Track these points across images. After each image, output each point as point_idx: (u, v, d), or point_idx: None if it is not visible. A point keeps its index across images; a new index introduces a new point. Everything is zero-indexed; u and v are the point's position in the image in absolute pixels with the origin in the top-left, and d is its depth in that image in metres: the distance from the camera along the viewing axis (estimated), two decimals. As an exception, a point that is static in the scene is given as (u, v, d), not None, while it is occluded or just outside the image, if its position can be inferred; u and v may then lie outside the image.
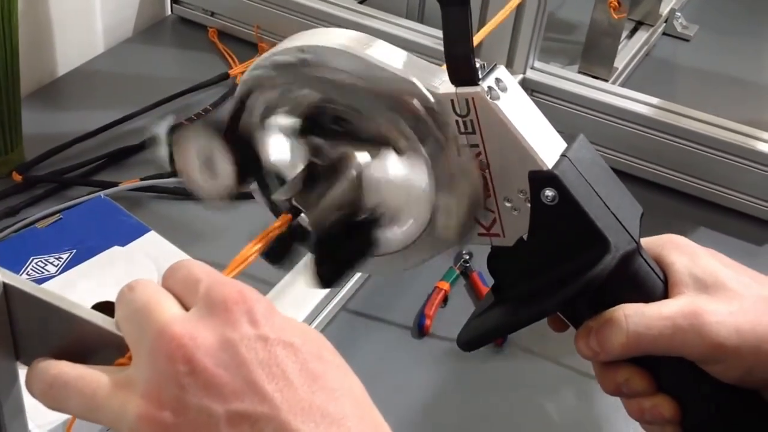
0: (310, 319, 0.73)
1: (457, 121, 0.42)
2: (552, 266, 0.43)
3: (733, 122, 0.98)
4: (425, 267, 0.83)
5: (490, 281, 0.80)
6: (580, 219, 0.42)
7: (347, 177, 0.43)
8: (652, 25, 1.23)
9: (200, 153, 0.44)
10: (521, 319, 0.44)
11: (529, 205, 0.42)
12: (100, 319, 0.36)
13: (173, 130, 0.44)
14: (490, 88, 0.41)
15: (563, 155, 0.42)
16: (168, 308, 0.35)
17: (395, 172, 0.44)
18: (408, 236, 0.46)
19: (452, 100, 0.41)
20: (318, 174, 0.44)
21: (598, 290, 0.41)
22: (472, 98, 0.41)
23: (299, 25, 1.09)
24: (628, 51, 1.15)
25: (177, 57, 1.15)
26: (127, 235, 0.76)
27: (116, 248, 0.74)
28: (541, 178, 0.41)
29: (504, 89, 0.42)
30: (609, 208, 0.42)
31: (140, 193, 0.89)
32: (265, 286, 0.74)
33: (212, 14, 1.16)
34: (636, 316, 0.42)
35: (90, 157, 0.92)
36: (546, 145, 0.42)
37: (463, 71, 0.41)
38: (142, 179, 0.89)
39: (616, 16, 1.04)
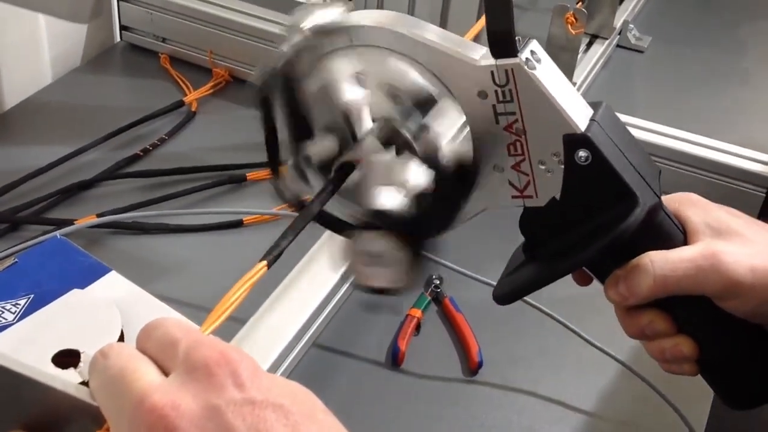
0: (282, 358, 0.70)
1: (495, 91, 0.45)
2: (583, 222, 0.47)
3: (689, 133, 0.99)
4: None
5: (463, 306, 0.80)
6: (611, 177, 0.46)
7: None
8: (606, 38, 1.23)
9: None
10: (558, 271, 0.49)
11: (562, 166, 0.46)
12: (73, 389, 0.34)
13: None
14: (527, 59, 0.45)
15: (592, 119, 0.46)
16: (145, 374, 0.33)
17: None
18: None
19: (492, 72, 0.45)
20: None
21: (626, 242, 0.46)
22: (512, 69, 0.45)
23: (254, 49, 1.08)
24: (585, 65, 1.15)
25: (129, 85, 1.12)
26: (86, 276, 0.73)
27: (76, 291, 0.71)
28: (575, 141, 0.45)
29: (538, 60, 0.46)
30: (634, 167, 0.47)
31: (97, 229, 0.86)
32: (235, 323, 0.71)
33: (163, 40, 1.13)
34: (661, 261, 0.47)
35: (43, 194, 0.89)
36: (577, 110, 0.46)
37: (503, 44, 0.44)
38: (98, 215, 0.86)
39: (573, 32, 1.04)
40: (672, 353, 0.50)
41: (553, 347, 0.80)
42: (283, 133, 0.50)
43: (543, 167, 0.47)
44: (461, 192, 0.49)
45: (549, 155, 0.46)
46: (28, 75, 1.06)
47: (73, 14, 0.36)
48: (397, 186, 0.49)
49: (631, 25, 1.28)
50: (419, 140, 0.47)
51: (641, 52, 1.28)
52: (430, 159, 0.48)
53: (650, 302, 0.49)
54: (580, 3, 1.09)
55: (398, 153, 0.48)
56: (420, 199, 0.49)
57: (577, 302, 0.84)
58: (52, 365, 0.63)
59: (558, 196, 0.47)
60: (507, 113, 0.46)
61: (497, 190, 0.49)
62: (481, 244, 0.89)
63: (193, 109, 1.05)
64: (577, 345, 0.78)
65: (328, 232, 0.81)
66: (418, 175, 0.48)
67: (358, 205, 0.51)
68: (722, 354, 0.51)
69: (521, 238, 0.54)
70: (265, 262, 0.43)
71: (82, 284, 0.72)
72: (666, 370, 0.52)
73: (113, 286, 0.72)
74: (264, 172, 0.95)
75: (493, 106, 0.46)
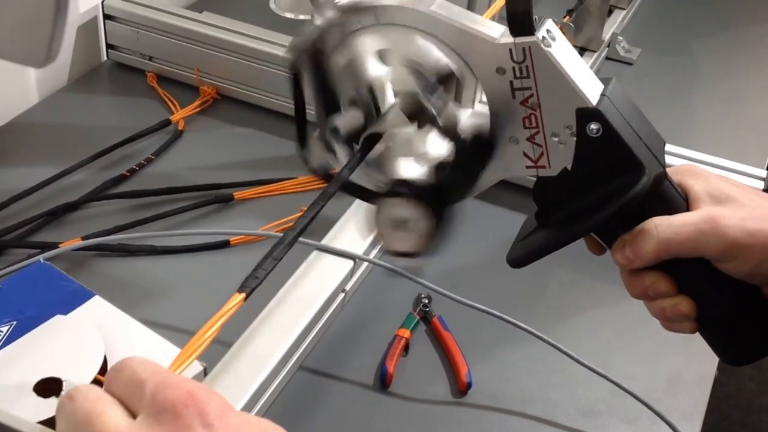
0: (268, 382, 0.69)
1: (513, 68, 0.48)
2: (593, 190, 0.50)
3: (679, 147, 0.99)
4: (383, 314, 0.81)
5: (452, 325, 0.79)
6: (620, 148, 0.49)
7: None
8: (595, 51, 1.23)
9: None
10: (570, 235, 0.52)
11: (574, 138, 0.49)
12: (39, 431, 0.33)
13: None
14: (543, 37, 0.48)
15: (603, 94, 0.49)
16: (112, 417, 0.32)
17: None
18: None
19: (510, 49, 0.48)
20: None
21: (634, 208, 0.49)
22: (529, 47, 0.48)
23: (241, 67, 1.07)
24: (573, 78, 1.15)
25: (115, 104, 1.11)
26: (69, 301, 0.72)
27: (59, 317, 0.70)
28: (587, 114, 0.48)
29: (553, 38, 0.48)
30: (641, 139, 0.50)
31: (82, 252, 0.85)
32: (221, 346, 0.71)
33: (150, 59, 1.13)
34: (664, 225, 0.51)
35: (28, 216, 0.88)
36: (588, 86, 0.49)
37: (522, 24, 0.47)
38: (83, 238, 0.85)
39: (560, 46, 1.04)
40: (672, 311, 0.53)
41: (542, 367, 0.79)
42: (312, 106, 0.55)
43: (556, 139, 0.50)
44: (479, 162, 0.52)
45: (562, 128, 0.49)
46: (14, 95, 1.06)
47: (27, 58, 0.36)
48: (419, 156, 0.53)
49: (620, 38, 1.28)
50: (441, 114, 0.51)
51: (630, 64, 1.28)
52: (451, 131, 0.51)
53: (653, 265, 0.52)
54: (567, 17, 1.09)
55: (420, 126, 0.52)
56: (440, 168, 0.53)
57: (565, 322, 0.84)
58: (34, 394, 0.63)
59: (569, 166, 0.50)
60: (523, 88, 0.49)
61: (513, 161, 0.52)
62: (469, 265, 0.89)
63: (180, 128, 1.04)
64: (566, 364, 0.77)
65: (314, 253, 0.81)
66: (438, 147, 0.52)
67: (382, 174, 0.54)
68: (719, 312, 0.54)
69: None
70: (242, 295, 0.42)
71: (66, 310, 0.71)
72: (667, 329, 0.55)
73: (97, 311, 0.71)
74: (251, 191, 0.95)
75: (511, 81, 0.49)
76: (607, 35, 1.26)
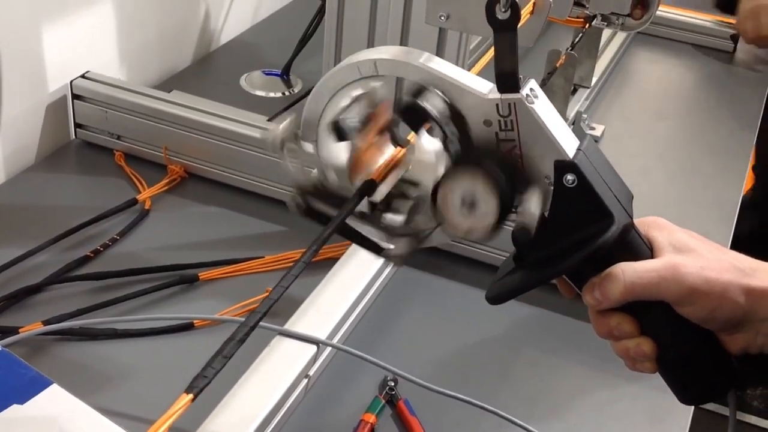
0: (227, 473, 0.68)
1: (499, 121, 0.53)
2: (567, 236, 0.54)
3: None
4: (348, 399, 0.80)
5: (418, 408, 0.79)
6: (593, 198, 0.54)
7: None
8: (560, 129, 1.25)
9: (465, 195, 0.54)
10: (545, 276, 0.56)
11: (551, 187, 0.54)
12: None
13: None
14: (527, 95, 0.53)
15: (579, 149, 0.54)
16: None
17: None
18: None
19: (497, 104, 0.53)
20: None
21: (603, 254, 0.54)
22: (514, 103, 0.53)
23: (210, 145, 1.08)
24: (539, 156, 1.16)
25: (83, 183, 1.11)
26: (26, 390, 0.70)
27: (15, 407, 0.68)
28: (564, 166, 0.53)
29: (536, 96, 0.53)
30: (612, 191, 0.55)
31: (43, 336, 0.84)
32: (178, 437, 0.69)
33: (118, 137, 1.13)
34: (630, 271, 0.55)
35: (-12, 301, 0.87)
36: (566, 140, 0.54)
37: (508, 82, 0.52)
38: (44, 322, 0.84)
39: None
40: (635, 352, 0.57)
41: (509, 451, 0.78)
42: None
43: None
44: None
45: (541, 177, 0.54)
46: (-20, 175, 1.05)
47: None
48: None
49: (585, 115, 1.30)
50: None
51: (596, 141, 1.30)
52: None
53: (619, 307, 0.56)
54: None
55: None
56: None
57: (532, 404, 0.83)
58: (-15, 489, 0.61)
59: (546, 213, 0.55)
60: (507, 140, 0.53)
61: None
62: (434, 347, 0.88)
63: (146, 207, 1.04)
64: (534, 447, 0.77)
65: (276, 338, 0.80)
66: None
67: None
68: (678, 354, 0.58)
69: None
70: (190, 396, 0.41)
71: (22, 399, 0.69)
72: (630, 368, 0.59)
73: (54, 400, 0.70)
74: (216, 271, 0.94)
75: (496, 133, 0.54)
76: (571, 113, 1.28)
